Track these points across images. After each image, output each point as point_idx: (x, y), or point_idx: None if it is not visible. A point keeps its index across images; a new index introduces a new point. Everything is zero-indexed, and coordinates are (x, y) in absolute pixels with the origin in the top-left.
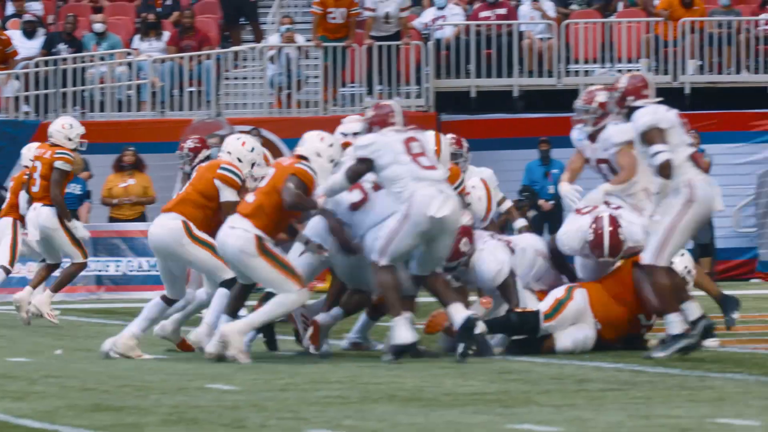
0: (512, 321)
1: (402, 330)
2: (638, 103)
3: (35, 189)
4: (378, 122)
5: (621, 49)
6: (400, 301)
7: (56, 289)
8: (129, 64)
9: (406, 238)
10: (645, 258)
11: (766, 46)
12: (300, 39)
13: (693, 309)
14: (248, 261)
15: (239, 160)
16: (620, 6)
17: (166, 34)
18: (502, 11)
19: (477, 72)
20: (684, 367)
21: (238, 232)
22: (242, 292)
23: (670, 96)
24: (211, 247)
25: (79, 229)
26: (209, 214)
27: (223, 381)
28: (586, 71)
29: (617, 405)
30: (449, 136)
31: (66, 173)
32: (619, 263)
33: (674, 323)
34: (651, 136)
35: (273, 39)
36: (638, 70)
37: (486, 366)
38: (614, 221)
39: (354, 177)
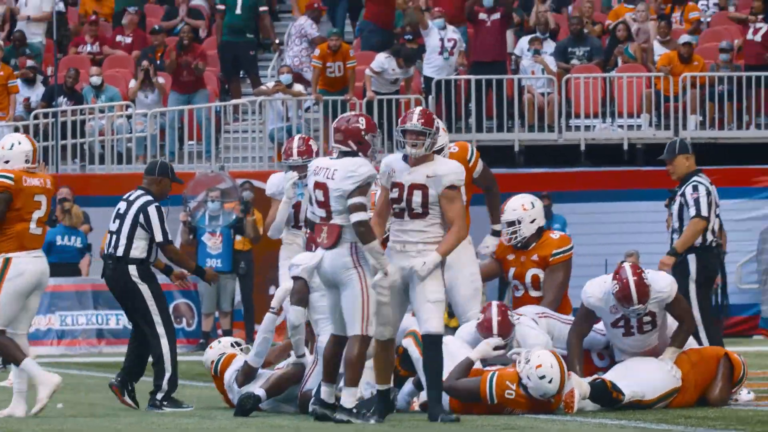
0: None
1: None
2: None
3: None
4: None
5: (622, 104)
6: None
7: None
8: (128, 117)
9: None
10: None
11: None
12: (299, 88)
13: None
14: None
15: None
16: (620, 61)
17: (162, 81)
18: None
19: (478, 126)
20: (688, 424)
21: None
22: None
23: None
24: None
25: None
26: None
27: None
28: (587, 126)
29: None
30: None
31: None
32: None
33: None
34: None
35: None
36: (639, 125)
37: (490, 422)
38: (636, 268)
39: None
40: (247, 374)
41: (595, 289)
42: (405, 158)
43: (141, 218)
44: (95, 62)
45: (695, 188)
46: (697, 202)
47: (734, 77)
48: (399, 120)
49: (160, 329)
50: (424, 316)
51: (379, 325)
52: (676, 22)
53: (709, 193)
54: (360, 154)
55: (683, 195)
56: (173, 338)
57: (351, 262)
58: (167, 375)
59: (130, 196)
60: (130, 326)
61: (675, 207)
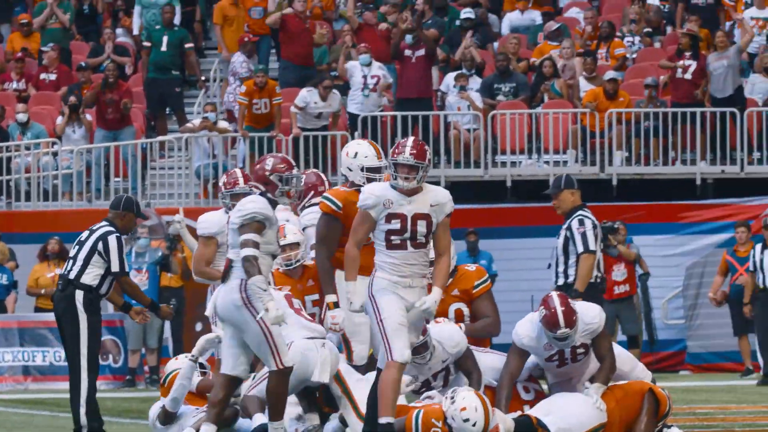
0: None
1: None
2: None
3: None
4: None
5: (548, 140)
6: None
7: None
8: (54, 154)
9: None
10: None
11: (693, 138)
12: (224, 125)
13: None
14: None
15: None
16: (546, 97)
17: (90, 118)
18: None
19: None
20: None
21: None
22: None
23: (597, 187)
24: None
25: None
26: None
27: None
28: (513, 162)
29: None
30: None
31: None
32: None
33: None
34: None
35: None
36: (566, 162)
37: None
38: (563, 296)
39: None
40: (167, 416)
41: (526, 328)
42: (393, 187)
43: (100, 246)
44: (21, 99)
45: (581, 222)
46: (584, 236)
47: (660, 113)
48: (391, 151)
49: (84, 362)
50: None
51: (406, 348)
52: (602, 59)
53: (594, 227)
54: (268, 194)
55: (569, 229)
56: (94, 376)
57: (240, 300)
58: (82, 410)
59: (94, 226)
60: (57, 363)
61: (560, 240)
